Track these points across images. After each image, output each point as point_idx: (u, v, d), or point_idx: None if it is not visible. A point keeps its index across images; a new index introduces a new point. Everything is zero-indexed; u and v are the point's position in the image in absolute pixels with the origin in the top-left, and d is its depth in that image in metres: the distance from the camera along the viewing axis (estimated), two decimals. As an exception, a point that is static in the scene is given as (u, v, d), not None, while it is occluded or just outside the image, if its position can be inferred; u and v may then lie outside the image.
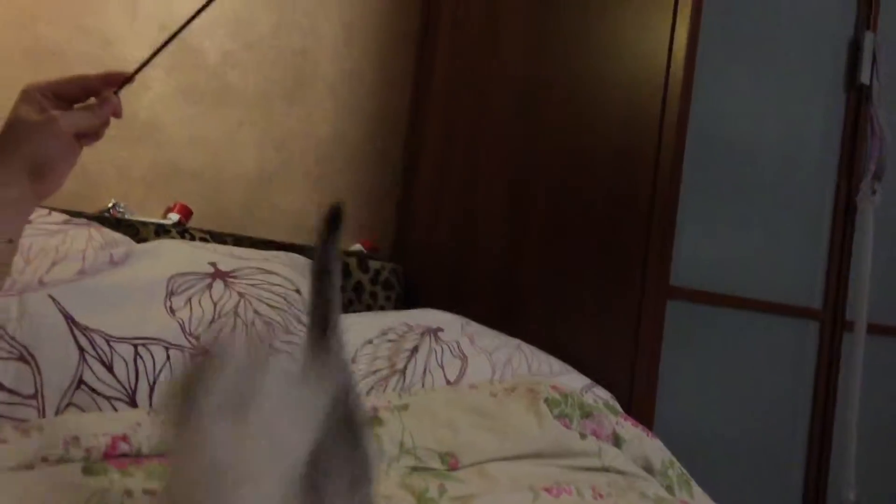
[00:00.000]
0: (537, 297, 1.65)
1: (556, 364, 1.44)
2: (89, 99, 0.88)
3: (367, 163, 2.01)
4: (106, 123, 0.89)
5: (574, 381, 1.40)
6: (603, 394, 1.41)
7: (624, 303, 1.47)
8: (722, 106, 1.58)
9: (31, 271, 1.12)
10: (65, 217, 1.31)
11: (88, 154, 1.58)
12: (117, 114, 0.89)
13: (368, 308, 1.80)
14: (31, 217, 1.28)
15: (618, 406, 1.37)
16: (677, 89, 1.45)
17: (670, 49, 1.47)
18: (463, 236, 1.86)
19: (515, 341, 1.47)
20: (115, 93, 0.89)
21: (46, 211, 1.31)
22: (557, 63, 1.71)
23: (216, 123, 1.78)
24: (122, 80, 0.88)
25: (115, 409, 1.04)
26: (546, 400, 1.21)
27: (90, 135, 0.89)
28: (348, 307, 1.76)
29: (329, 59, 1.94)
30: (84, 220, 1.32)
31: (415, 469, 1.05)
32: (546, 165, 1.69)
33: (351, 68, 1.97)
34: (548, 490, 1.00)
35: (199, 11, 0.89)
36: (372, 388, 1.31)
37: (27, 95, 0.85)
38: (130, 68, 0.88)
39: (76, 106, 0.87)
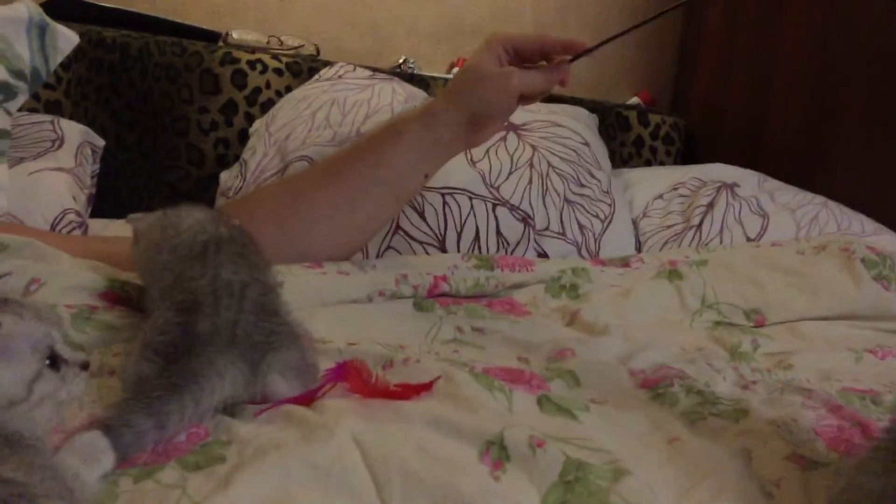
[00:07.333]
0: (848, 152, 1.50)
1: (868, 223, 1.32)
2: (541, 61, 0.87)
3: (648, 10, 1.90)
4: (549, 88, 0.89)
5: (891, 242, 1.28)
6: (924, 257, 1.28)
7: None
8: None
9: (349, 123, 1.20)
10: (369, 73, 1.37)
11: (381, 12, 1.66)
12: (564, 82, 0.87)
13: (648, 163, 1.75)
14: (341, 73, 1.36)
15: (941, 271, 1.24)
16: None
17: None
18: (756, 88, 1.71)
19: (821, 198, 1.37)
20: (571, 61, 0.87)
21: (352, 67, 1.39)
22: None
23: (496, -25, 1.76)
24: (580, 50, 0.86)
25: (428, 254, 1.11)
26: (862, 260, 1.12)
27: (529, 96, 0.89)
28: (628, 162, 1.72)
29: None
30: (386, 76, 1.38)
31: (718, 324, 1.03)
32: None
33: None
34: (872, 352, 0.94)
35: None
36: (666, 242, 1.29)
37: (490, 46, 0.86)
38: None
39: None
